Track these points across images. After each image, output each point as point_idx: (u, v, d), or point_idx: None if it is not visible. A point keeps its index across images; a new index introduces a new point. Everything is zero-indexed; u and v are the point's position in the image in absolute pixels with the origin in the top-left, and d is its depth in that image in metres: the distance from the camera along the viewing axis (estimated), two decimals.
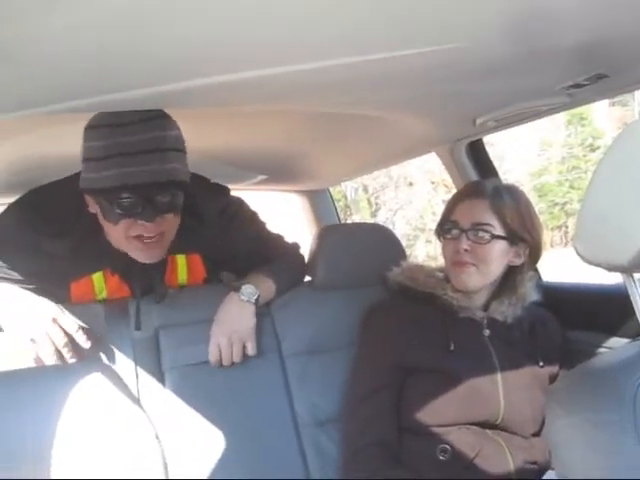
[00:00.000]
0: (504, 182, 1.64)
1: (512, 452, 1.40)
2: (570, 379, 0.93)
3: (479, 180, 1.95)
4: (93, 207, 1.41)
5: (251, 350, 1.53)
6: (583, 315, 1.71)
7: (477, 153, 2.04)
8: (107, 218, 1.38)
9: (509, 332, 1.51)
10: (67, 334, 1.38)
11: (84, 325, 1.42)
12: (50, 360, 1.34)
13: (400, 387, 1.48)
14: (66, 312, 1.41)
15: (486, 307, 1.53)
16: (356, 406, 1.49)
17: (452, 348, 1.45)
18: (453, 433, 1.41)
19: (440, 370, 1.44)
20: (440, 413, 1.42)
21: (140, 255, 1.44)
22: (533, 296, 1.56)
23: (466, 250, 1.46)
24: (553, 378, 1.52)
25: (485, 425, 1.42)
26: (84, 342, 1.39)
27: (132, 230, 1.38)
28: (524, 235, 1.47)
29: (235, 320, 1.52)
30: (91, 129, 1.32)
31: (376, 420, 1.45)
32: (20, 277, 1.47)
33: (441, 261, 1.61)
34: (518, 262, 1.50)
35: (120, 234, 1.39)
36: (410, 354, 1.47)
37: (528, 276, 1.55)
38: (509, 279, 1.52)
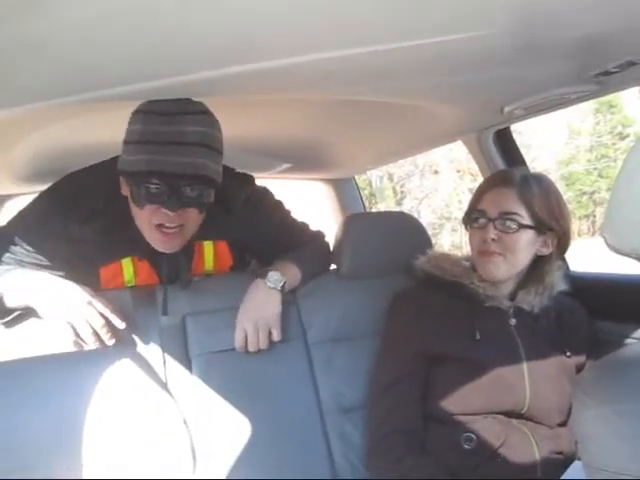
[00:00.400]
0: (532, 171, 1.62)
1: (538, 442, 1.39)
2: (597, 369, 0.92)
3: (507, 169, 1.93)
4: (125, 190, 1.44)
5: (277, 336, 1.54)
6: (611, 305, 1.69)
7: (504, 141, 2.02)
8: (135, 201, 1.40)
9: (536, 322, 1.51)
10: (103, 316, 1.40)
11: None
12: (90, 342, 1.38)
13: (425, 375, 1.48)
14: (97, 295, 1.44)
15: (513, 296, 1.52)
16: (381, 394, 1.50)
17: (478, 337, 1.45)
18: (478, 422, 1.40)
19: (466, 359, 1.44)
20: (466, 402, 1.41)
21: (158, 244, 1.46)
22: (561, 286, 1.54)
23: (493, 239, 1.45)
24: (580, 368, 1.51)
25: (511, 414, 1.42)
26: (119, 323, 1.42)
27: (155, 217, 1.40)
28: (552, 224, 1.46)
29: (261, 306, 1.54)
30: (135, 114, 1.35)
31: (401, 408, 1.45)
32: (49, 263, 1.50)
33: (467, 250, 1.61)
34: (546, 252, 1.49)
35: (144, 219, 1.42)
36: (435, 342, 1.47)
37: (556, 266, 1.54)
38: (536, 268, 1.51)
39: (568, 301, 1.60)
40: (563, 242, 1.51)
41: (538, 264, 1.51)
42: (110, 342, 1.40)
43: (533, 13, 0.96)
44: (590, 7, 0.95)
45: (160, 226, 1.41)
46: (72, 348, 1.37)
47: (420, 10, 0.89)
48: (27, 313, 1.40)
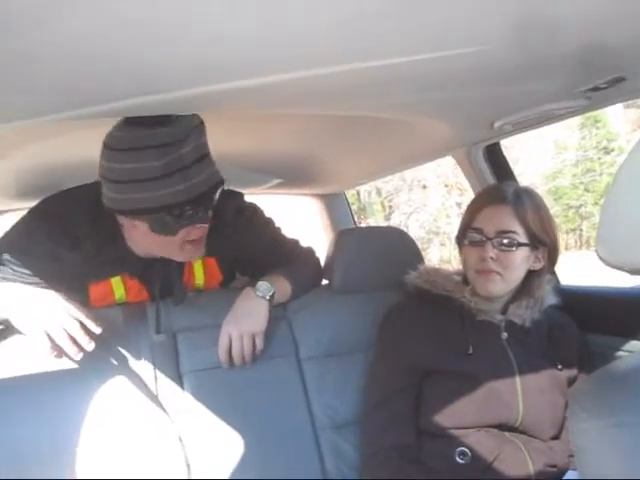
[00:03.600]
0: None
1: (531, 455, 1.39)
2: (592, 382, 0.92)
3: (498, 184, 1.93)
4: (130, 225, 1.43)
5: (260, 344, 1.54)
6: (601, 318, 1.70)
7: (495, 156, 2.04)
8: (163, 231, 1.39)
9: (527, 335, 1.51)
10: (78, 320, 1.38)
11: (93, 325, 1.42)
12: (67, 347, 1.34)
13: (418, 390, 1.48)
14: (71, 300, 1.42)
15: (504, 310, 1.53)
16: (374, 409, 1.50)
17: (470, 351, 1.45)
18: (472, 436, 1.40)
19: (458, 373, 1.44)
20: (459, 416, 1.42)
21: (189, 256, 1.50)
22: (551, 299, 1.56)
23: (492, 258, 1.45)
24: (572, 381, 1.51)
25: (504, 428, 1.42)
26: (95, 327, 1.39)
27: (191, 235, 1.42)
28: (544, 239, 1.47)
29: (247, 313, 1.54)
30: (133, 151, 1.29)
31: (394, 423, 1.45)
32: (39, 281, 1.49)
33: (455, 265, 1.61)
34: (538, 266, 1.51)
35: (177, 243, 1.43)
36: (428, 357, 1.47)
37: (546, 279, 1.55)
38: (527, 283, 1.52)
39: (558, 315, 1.60)
40: (553, 255, 1.52)
41: (529, 278, 1.52)
42: (89, 347, 1.36)
43: (524, 30, 0.96)
44: (579, 25, 0.97)
45: (192, 241, 1.44)
46: (52, 357, 1.34)
47: (411, 27, 0.90)
48: (9, 328, 1.38)
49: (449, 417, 1.42)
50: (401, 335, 1.53)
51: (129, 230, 1.46)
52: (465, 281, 1.54)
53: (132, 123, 1.29)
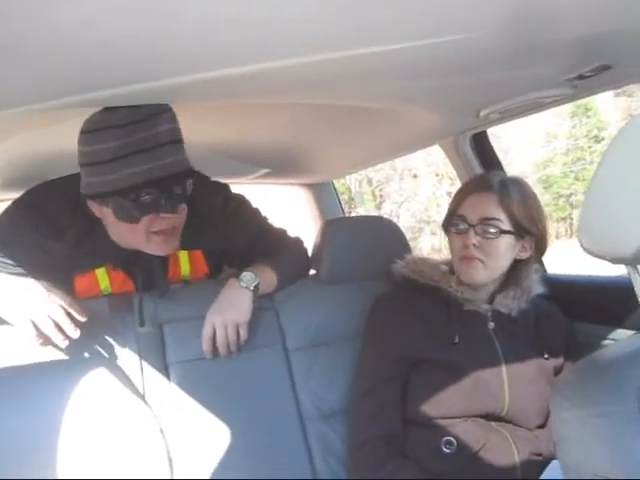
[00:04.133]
0: (509, 174, 1.63)
1: (517, 444, 1.40)
2: (575, 371, 0.92)
3: (485, 173, 1.92)
4: (100, 212, 1.42)
5: (244, 334, 1.53)
6: (588, 307, 1.71)
7: (481, 145, 2.04)
8: (125, 218, 1.38)
9: (514, 325, 1.51)
10: (62, 307, 1.37)
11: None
12: (52, 335, 1.34)
13: (405, 379, 1.48)
14: (55, 289, 1.41)
15: (491, 300, 1.53)
16: (361, 399, 1.50)
17: (457, 340, 1.45)
18: (458, 425, 1.41)
19: (445, 362, 1.44)
20: (445, 405, 1.42)
21: (159, 249, 1.45)
22: (538, 289, 1.56)
23: (474, 245, 1.45)
24: (558, 370, 1.51)
25: (490, 417, 1.42)
26: (80, 315, 1.38)
27: (155, 225, 1.39)
28: (531, 228, 1.46)
29: (231, 303, 1.53)
30: (96, 132, 1.29)
31: (381, 413, 1.46)
32: (23, 272, 1.47)
33: (446, 254, 1.61)
34: (525, 256, 1.50)
35: (141, 232, 1.40)
36: (415, 346, 1.47)
37: (533, 269, 1.55)
38: (514, 272, 1.52)
39: (545, 304, 1.61)
40: (541, 245, 1.52)
41: (516, 268, 1.52)
42: (75, 335, 1.35)
43: (508, 19, 0.96)
44: (563, 13, 0.96)
45: (159, 231, 1.40)
46: (38, 346, 1.34)
47: (397, 15, 0.89)
48: None
49: (436, 406, 1.42)
50: (388, 324, 1.53)
51: (104, 219, 1.44)
52: (452, 271, 1.54)
53: (105, 108, 1.29)
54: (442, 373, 1.44)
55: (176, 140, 1.34)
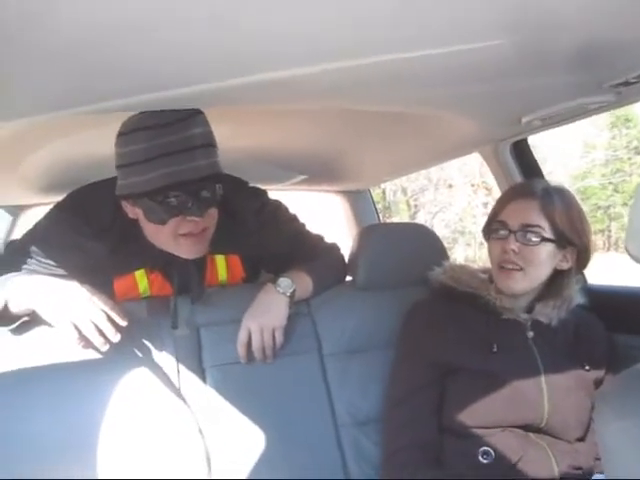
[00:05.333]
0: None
1: (556, 457, 1.37)
2: (620, 382, 0.90)
3: (529, 180, 1.89)
4: (133, 213, 1.44)
5: (279, 337, 1.53)
6: (629, 318, 1.68)
7: (522, 153, 2.01)
8: (154, 220, 1.40)
9: (553, 335, 1.48)
10: (104, 311, 1.38)
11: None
12: (94, 338, 1.35)
13: (441, 388, 1.46)
14: (96, 292, 1.42)
15: (530, 309, 1.50)
16: (396, 406, 1.48)
17: (495, 350, 1.43)
18: (496, 435, 1.39)
19: (483, 371, 1.42)
20: (483, 415, 1.40)
21: (187, 252, 1.46)
22: (579, 299, 1.53)
23: (514, 251, 1.43)
24: (599, 382, 1.48)
25: (529, 428, 1.40)
26: (120, 319, 1.40)
27: (182, 228, 1.40)
28: (573, 239, 1.43)
29: (267, 309, 1.53)
30: (129, 134, 1.33)
31: (416, 421, 1.44)
32: (64, 273, 1.50)
33: (481, 265, 1.59)
34: (565, 266, 1.47)
35: (168, 234, 1.41)
36: (452, 354, 1.46)
37: (574, 279, 1.52)
38: (555, 282, 1.49)
39: (585, 315, 1.58)
40: (583, 257, 1.48)
41: (556, 278, 1.49)
42: (115, 338, 1.36)
43: (552, 22, 0.95)
44: (609, 16, 0.95)
45: (187, 234, 1.41)
46: (79, 348, 1.35)
47: (436, 19, 0.89)
48: (34, 319, 1.40)
49: (472, 416, 1.41)
50: (424, 332, 1.52)
51: (139, 220, 1.45)
52: (491, 279, 1.52)
53: (142, 111, 1.32)
54: (480, 382, 1.42)
55: (207, 144, 1.35)
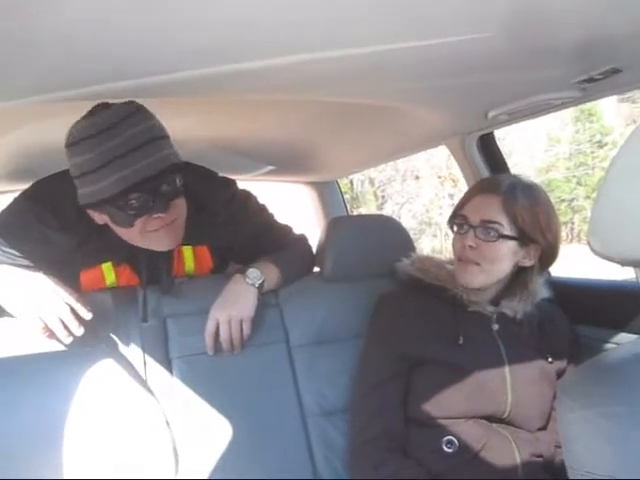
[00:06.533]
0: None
1: (519, 445, 1.39)
2: (582, 372, 0.92)
3: (496, 175, 1.89)
4: (100, 219, 1.42)
5: (247, 329, 1.53)
6: (592, 311, 1.71)
7: (488, 147, 2.03)
8: (120, 224, 1.38)
9: (518, 327, 1.50)
10: (68, 305, 1.38)
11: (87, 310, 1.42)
12: (58, 331, 1.35)
13: (408, 378, 1.48)
14: (61, 284, 1.41)
15: (496, 302, 1.51)
16: (364, 397, 1.49)
17: (461, 342, 1.44)
18: (460, 425, 1.40)
19: (448, 363, 1.43)
20: (447, 405, 1.41)
21: (160, 245, 1.45)
22: (543, 293, 1.54)
23: (471, 247, 1.43)
24: (561, 373, 1.51)
25: (492, 419, 1.42)
26: (85, 313, 1.40)
27: (149, 225, 1.38)
28: (536, 237, 1.42)
29: (236, 300, 1.54)
30: (77, 144, 1.30)
31: (383, 411, 1.45)
32: (29, 264, 1.48)
33: (446, 256, 1.60)
34: (528, 263, 1.47)
35: (137, 233, 1.40)
36: (418, 345, 1.47)
37: (537, 274, 1.52)
38: (519, 278, 1.50)
39: (550, 307, 1.59)
40: (548, 255, 1.47)
41: (520, 273, 1.50)
42: (78, 332, 1.37)
43: (521, 19, 0.96)
44: (574, 15, 0.96)
45: (157, 229, 1.40)
46: (42, 339, 1.35)
47: (407, 14, 0.90)
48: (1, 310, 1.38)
49: (437, 406, 1.42)
50: (392, 324, 1.53)
51: (109, 224, 1.43)
52: None
53: (80, 118, 1.31)
54: (445, 373, 1.43)
55: (155, 137, 1.32)
